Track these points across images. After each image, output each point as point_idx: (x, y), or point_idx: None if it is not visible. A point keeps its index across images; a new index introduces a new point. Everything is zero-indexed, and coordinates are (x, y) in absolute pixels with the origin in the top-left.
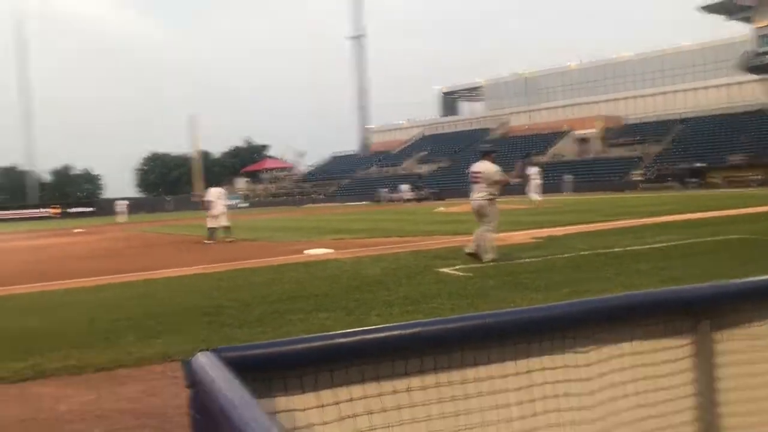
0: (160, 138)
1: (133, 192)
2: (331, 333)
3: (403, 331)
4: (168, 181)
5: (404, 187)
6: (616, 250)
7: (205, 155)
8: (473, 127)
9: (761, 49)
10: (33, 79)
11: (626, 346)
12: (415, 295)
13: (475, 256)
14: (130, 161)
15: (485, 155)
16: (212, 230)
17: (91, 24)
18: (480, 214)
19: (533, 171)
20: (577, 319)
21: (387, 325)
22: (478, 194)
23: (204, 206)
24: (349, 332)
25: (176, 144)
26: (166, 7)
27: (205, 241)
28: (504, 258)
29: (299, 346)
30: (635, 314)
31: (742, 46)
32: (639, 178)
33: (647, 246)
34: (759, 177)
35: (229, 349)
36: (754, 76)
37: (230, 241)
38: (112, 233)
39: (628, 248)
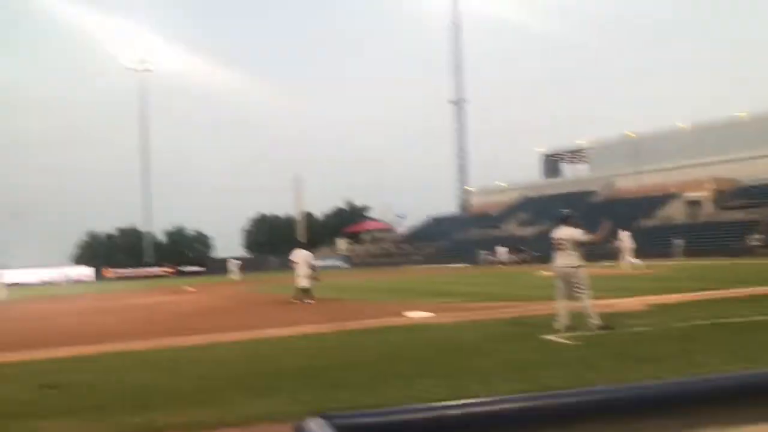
0: (267, 200)
1: (240, 252)
2: (444, 404)
3: (515, 404)
4: (273, 241)
5: (501, 249)
6: (736, 320)
7: (309, 216)
8: (576, 190)
9: None
10: (151, 145)
11: (758, 428)
12: (518, 363)
13: (570, 329)
14: (239, 222)
15: (565, 221)
16: (299, 290)
17: (201, 91)
18: (568, 283)
19: (624, 235)
20: (697, 397)
21: (498, 397)
22: (564, 261)
23: (291, 266)
24: (461, 403)
25: (282, 205)
26: (274, 75)
27: (292, 300)
28: (612, 326)
29: (412, 415)
30: (759, 395)
31: None
32: (757, 243)
33: None
34: None
35: (339, 416)
36: None
37: (309, 303)
38: (221, 291)
39: (750, 319)
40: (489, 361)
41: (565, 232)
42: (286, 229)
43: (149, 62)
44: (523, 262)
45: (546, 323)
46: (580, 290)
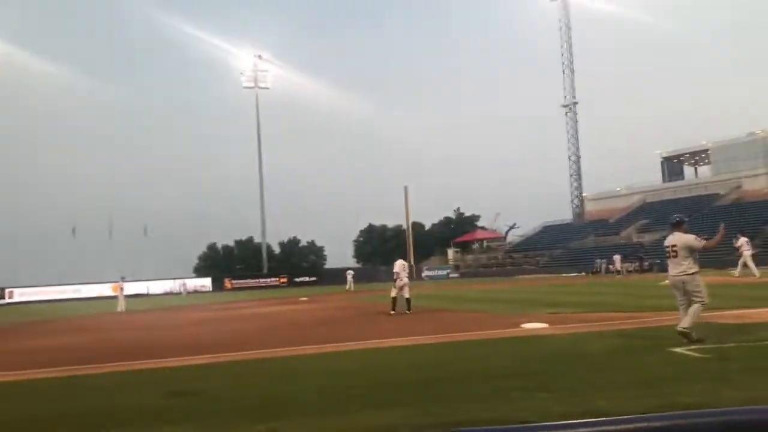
0: (378, 210)
1: (350, 262)
2: (574, 422)
3: (647, 424)
4: (383, 251)
5: (616, 257)
6: None
7: (418, 226)
8: (699, 193)
9: None
10: (266, 158)
11: None
12: (644, 377)
13: (687, 336)
14: (350, 233)
15: (676, 226)
16: (395, 300)
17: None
18: (683, 291)
19: (743, 241)
20: None
21: (629, 416)
22: (678, 269)
23: (395, 277)
24: (593, 422)
25: (392, 216)
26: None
27: (391, 312)
28: (749, 339)
29: None
30: None
31: None
32: None
33: None
34: None
35: (473, 431)
36: None
37: (407, 313)
38: (335, 301)
39: None
40: (613, 375)
41: (676, 239)
42: (396, 239)
43: (265, 81)
44: (643, 270)
45: (670, 335)
46: (698, 297)
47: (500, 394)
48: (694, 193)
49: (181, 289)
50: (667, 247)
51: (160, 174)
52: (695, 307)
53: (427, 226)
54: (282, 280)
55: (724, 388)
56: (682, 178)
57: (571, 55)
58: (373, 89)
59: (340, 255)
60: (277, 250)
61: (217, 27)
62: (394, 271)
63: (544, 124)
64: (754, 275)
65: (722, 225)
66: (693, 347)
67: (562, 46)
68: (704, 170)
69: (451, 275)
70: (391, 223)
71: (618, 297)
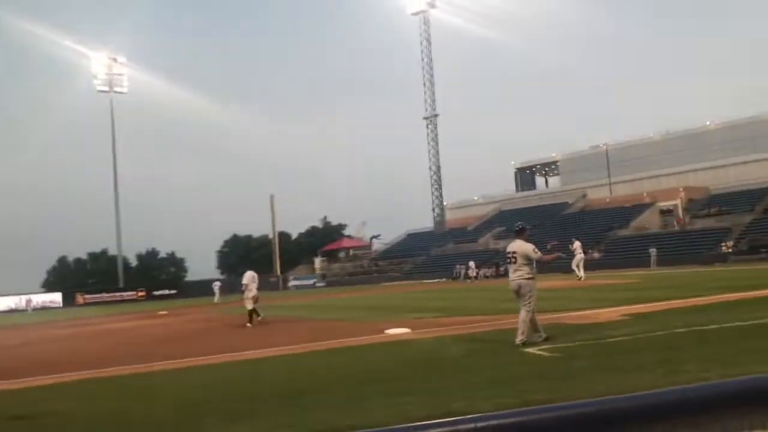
0: (242, 221)
1: (214, 274)
2: (425, 423)
3: (499, 421)
4: (248, 262)
5: (471, 263)
6: (713, 327)
7: (285, 236)
8: (550, 202)
9: None
10: (121, 166)
11: None
12: (500, 378)
13: (526, 344)
14: (213, 244)
15: (518, 234)
16: (252, 312)
17: (173, 112)
18: (519, 294)
19: (577, 245)
20: (686, 406)
21: (481, 414)
22: (516, 273)
23: (243, 289)
24: (443, 422)
25: (258, 226)
26: (246, 96)
27: (248, 325)
28: (593, 337)
29: None
30: (753, 401)
31: None
32: (729, 250)
33: (748, 322)
34: None
35: None
36: None
37: (260, 321)
38: (196, 314)
39: (727, 325)
40: (471, 377)
41: (518, 246)
42: (261, 249)
43: (121, 85)
44: (499, 275)
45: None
46: (527, 304)
47: (360, 401)
48: (545, 202)
49: (27, 306)
50: (509, 253)
51: (5, 184)
52: (522, 314)
53: (294, 236)
54: (140, 293)
55: (573, 385)
56: (534, 188)
57: (431, 68)
58: (238, 98)
59: (202, 266)
60: (134, 262)
61: (70, 27)
62: (243, 282)
63: (408, 135)
64: (579, 278)
65: (555, 248)
66: (544, 347)
67: (422, 59)
68: (554, 180)
69: (317, 284)
70: (256, 233)
71: (476, 301)
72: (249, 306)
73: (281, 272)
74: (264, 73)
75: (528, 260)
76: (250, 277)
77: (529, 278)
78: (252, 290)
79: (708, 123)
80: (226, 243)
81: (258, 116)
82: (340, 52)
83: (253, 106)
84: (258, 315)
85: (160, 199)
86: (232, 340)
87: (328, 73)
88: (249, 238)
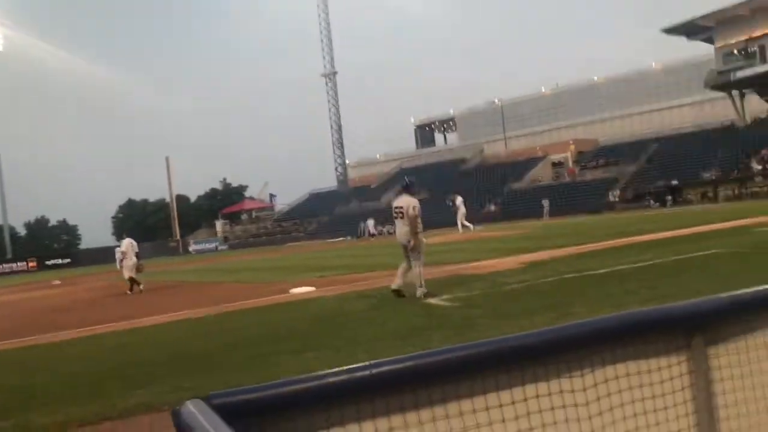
0: (137, 184)
1: (110, 240)
2: (322, 372)
3: (394, 366)
4: (145, 227)
5: (370, 221)
6: (601, 271)
7: (183, 199)
8: (449, 158)
9: (723, 68)
10: (1, 129)
11: (621, 368)
12: (402, 329)
13: (399, 293)
14: (109, 210)
15: (405, 190)
16: (132, 280)
17: (60, 74)
18: (408, 249)
19: (458, 201)
20: (569, 342)
21: (377, 360)
22: (404, 228)
23: (120, 256)
24: (340, 371)
25: (153, 189)
26: (130, 54)
27: (128, 292)
28: (491, 286)
29: (290, 388)
30: (629, 334)
31: (708, 65)
32: (616, 199)
33: (632, 265)
34: (731, 192)
35: (219, 395)
36: (721, 94)
37: (140, 289)
38: (92, 283)
39: (613, 269)
40: (375, 330)
41: (404, 201)
42: (159, 214)
43: None
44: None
45: (425, 288)
46: (416, 258)
47: (265, 360)
48: (444, 158)
49: None
50: (396, 208)
51: None
52: (414, 269)
53: (193, 199)
54: (31, 264)
55: (471, 331)
56: (434, 145)
57: (328, 24)
58: (132, 58)
59: (99, 234)
60: (22, 232)
61: None
62: (121, 250)
63: (307, 94)
64: (459, 231)
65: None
66: (445, 297)
67: (319, 15)
68: (453, 137)
69: (220, 248)
70: (153, 197)
71: (379, 258)
72: (127, 275)
73: (181, 236)
74: (159, 33)
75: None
76: (128, 244)
77: (416, 233)
78: (131, 258)
79: (595, 78)
80: (121, 208)
81: (152, 77)
82: (238, 8)
83: (147, 67)
84: (139, 284)
85: (47, 164)
86: (132, 307)
87: (230, 32)
88: (145, 202)
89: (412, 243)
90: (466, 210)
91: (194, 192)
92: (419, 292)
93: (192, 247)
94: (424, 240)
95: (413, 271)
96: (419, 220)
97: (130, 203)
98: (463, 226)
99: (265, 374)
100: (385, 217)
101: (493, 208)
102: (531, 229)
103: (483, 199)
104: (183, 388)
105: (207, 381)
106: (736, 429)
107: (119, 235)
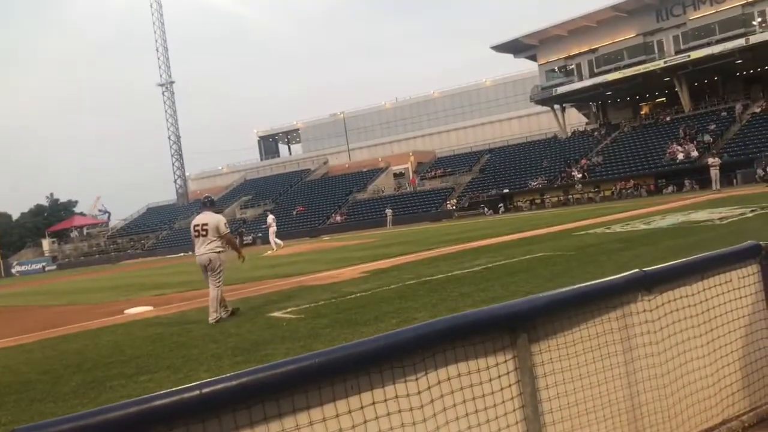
0: None
1: None
2: (146, 396)
3: (227, 384)
4: None
5: None
6: (439, 276)
7: (3, 217)
8: (293, 169)
9: (546, 84)
10: None
11: (453, 369)
12: (245, 344)
13: (233, 313)
14: None
15: (207, 206)
16: None
17: None
18: (210, 269)
19: (270, 218)
20: (403, 347)
21: (208, 380)
22: (207, 246)
23: None
24: (166, 393)
25: None
26: None
27: None
28: (335, 295)
29: (103, 417)
30: (459, 336)
31: (533, 82)
32: (453, 207)
33: (467, 270)
34: (556, 199)
35: (24, 430)
36: (545, 108)
37: None
38: None
39: (450, 274)
40: (217, 347)
41: (208, 218)
42: None
43: None
44: (246, 244)
45: (272, 301)
46: (216, 280)
47: (95, 387)
48: (289, 169)
49: None
50: (197, 225)
51: None
52: (212, 292)
53: (16, 216)
54: None
55: (315, 342)
56: (278, 156)
57: (164, 32)
58: None
59: None
60: None
61: None
62: None
63: (143, 104)
64: (273, 249)
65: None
66: (290, 309)
67: (153, 23)
68: (297, 148)
69: (47, 268)
70: None
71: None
72: None
73: (3, 258)
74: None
75: (218, 233)
76: None
77: (219, 251)
78: None
79: (432, 92)
80: None
81: None
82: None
83: None
84: None
85: None
86: None
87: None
88: None
89: (213, 263)
90: (277, 228)
91: (17, 209)
92: (212, 317)
93: (16, 269)
94: (225, 260)
95: (211, 294)
96: (225, 240)
97: None
98: (276, 243)
99: (96, 402)
100: (230, 229)
101: (338, 218)
102: (375, 239)
103: (328, 209)
104: (1, 423)
105: (29, 413)
106: (558, 420)
107: None
